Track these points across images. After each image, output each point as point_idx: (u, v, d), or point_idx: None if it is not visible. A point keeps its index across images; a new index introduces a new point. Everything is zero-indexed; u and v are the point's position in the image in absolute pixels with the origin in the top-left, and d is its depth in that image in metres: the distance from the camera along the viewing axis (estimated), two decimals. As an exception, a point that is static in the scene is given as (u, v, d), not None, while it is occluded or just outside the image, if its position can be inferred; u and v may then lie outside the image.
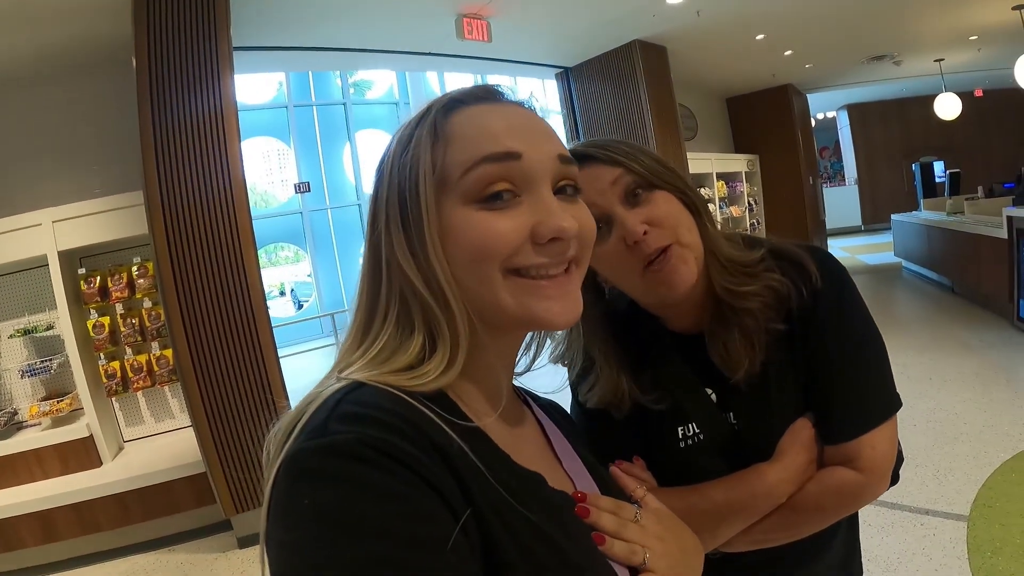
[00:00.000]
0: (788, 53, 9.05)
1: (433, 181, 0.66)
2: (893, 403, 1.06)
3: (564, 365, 1.20)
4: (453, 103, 0.70)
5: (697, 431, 1.10)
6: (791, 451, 1.04)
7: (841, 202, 16.28)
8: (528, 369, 0.86)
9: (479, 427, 0.66)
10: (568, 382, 1.22)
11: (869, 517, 3.28)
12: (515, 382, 0.86)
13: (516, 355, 0.80)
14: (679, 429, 1.12)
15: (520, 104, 0.74)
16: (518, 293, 0.67)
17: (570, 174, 0.71)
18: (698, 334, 1.11)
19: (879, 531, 3.19)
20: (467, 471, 0.58)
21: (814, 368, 1.06)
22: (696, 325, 1.12)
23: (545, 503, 0.66)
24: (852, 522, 1.23)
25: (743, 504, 1.03)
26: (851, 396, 1.04)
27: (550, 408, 0.94)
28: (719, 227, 1.12)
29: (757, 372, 1.06)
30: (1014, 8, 7.59)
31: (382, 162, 0.72)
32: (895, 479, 1.09)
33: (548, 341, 0.86)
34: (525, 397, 0.89)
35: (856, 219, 16.75)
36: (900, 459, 1.11)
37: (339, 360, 0.69)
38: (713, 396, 1.11)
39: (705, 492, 1.05)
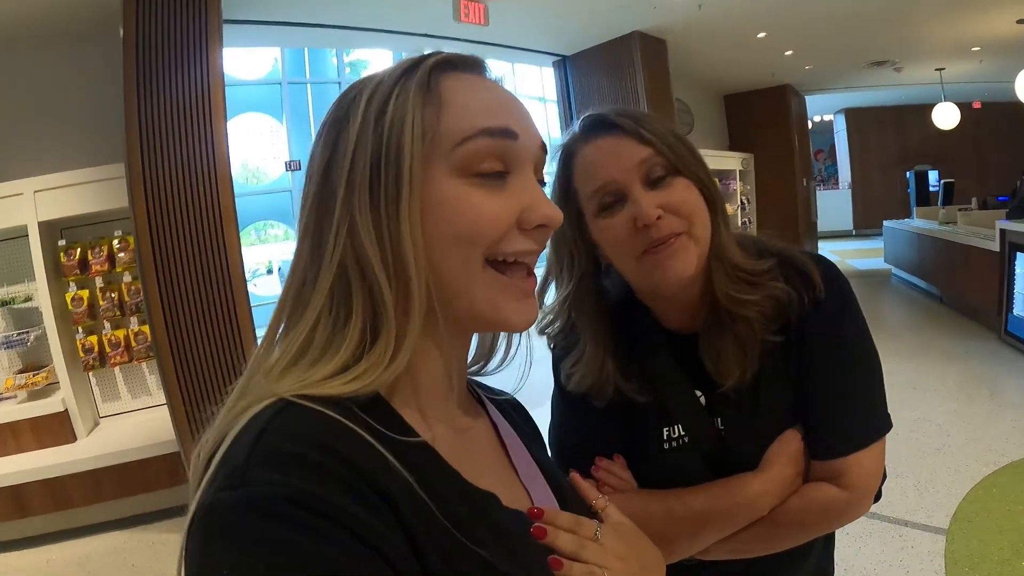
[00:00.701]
0: (788, 53, 9.03)
1: (422, 144, 0.60)
2: (884, 424, 1.04)
3: (550, 338, 1.18)
4: (446, 64, 0.65)
5: (682, 434, 1.08)
6: (777, 463, 1.02)
7: (833, 205, 16.31)
8: (500, 368, 0.81)
9: (425, 441, 0.60)
10: (551, 355, 1.20)
11: (848, 526, 3.25)
12: (478, 378, 0.83)
13: (467, 354, 0.74)
14: (664, 430, 1.10)
15: (501, 83, 0.69)
16: (491, 287, 0.63)
17: (543, 164, 0.69)
18: (692, 334, 1.09)
19: (857, 540, 3.19)
20: (412, 509, 0.53)
21: (808, 381, 1.04)
22: (691, 325, 1.10)
23: (497, 527, 0.61)
24: (829, 537, 1.22)
25: (723, 513, 1.02)
26: (843, 413, 1.02)
27: (508, 408, 0.88)
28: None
29: (748, 380, 1.03)
30: (1019, 21, 7.61)
31: (343, 113, 0.64)
32: (877, 496, 1.08)
33: (520, 339, 0.79)
34: (480, 395, 0.83)
35: (847, 223, 16.79)
36: (884, 477, 1.09)
37: (259, 353, 0.62)
38: (702, 399, 1.09)
39: (686, 498, 1.03)
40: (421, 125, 0.60)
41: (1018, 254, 5.97)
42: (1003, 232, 6.22)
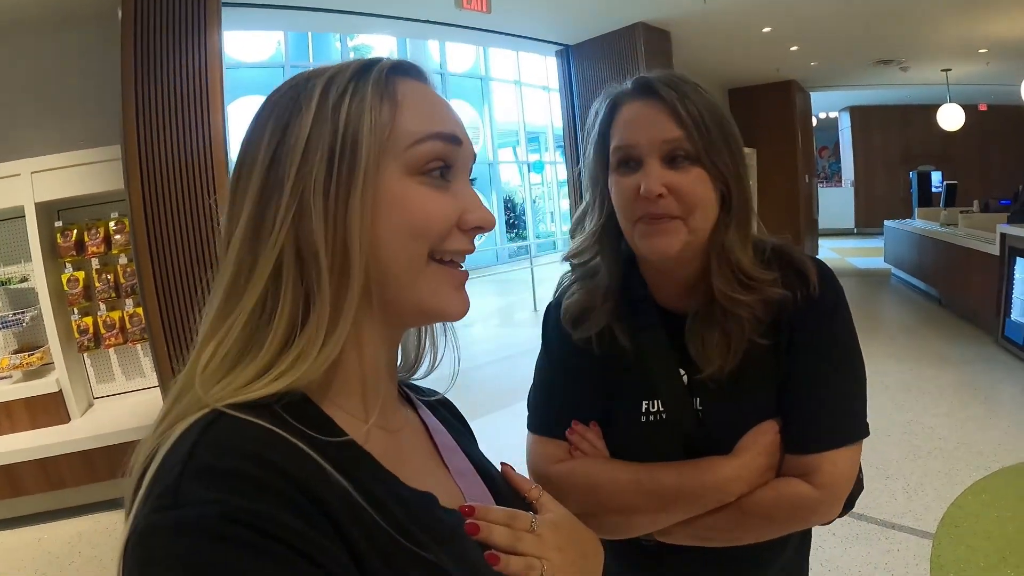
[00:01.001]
0: (794, 48, 9.04)
1: (377, 141, 0.61)
2: (862, 429, 1.05)
3: (573, 266, 1.20)
4: (399, 68, 0.67)
5: (661, 410, 1.10)
6: (751, 451, 1.03)
7: (836, 203, 16.30)
8: (428, 373, 0.83)
9: (359, 444, 0.61)
10: (556, 289, 1.24)
11: (834, 526, 3.22)
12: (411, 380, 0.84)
13: (397, 353, 0.75)
14: (643, 403, 1.11)
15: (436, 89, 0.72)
16: (435, 279, 0.65)
17: (471, 170, 0.72)
18: (682, 314, 1.10)
19: (843, 541, 3.19)
20: (351, 517, 0.53)
21: (792, 374, 1.05)
22: (682, 306, 1.11)
23: (437, 528, 0.62)
24: (804, 539, 1.23)
25: (691, 493, 1.03)
26: (823, 410, 1.03)
27: (437, 406, 0.88)
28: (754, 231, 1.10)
29: (731, 370, 1.05)
30: (1028, 24, 7.56)
31: (292, 102, 0.63)
32: (850, 505, 1.09)
33: (447, 344, 0.81)
34: (408, 395, 0.83)
35: (849, 221, 16.78)
36: (860, 487, 1.11)
37: (195, 351, 0.61)
38: (685, 378, 1.10)
39: (655, 472, 1.05)
40: (378, 121, 0.61)
41: (1018, 259, 5.96)
42: (1003, 236, 6.21)
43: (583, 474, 1.10)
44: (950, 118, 11.01)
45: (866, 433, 1.05)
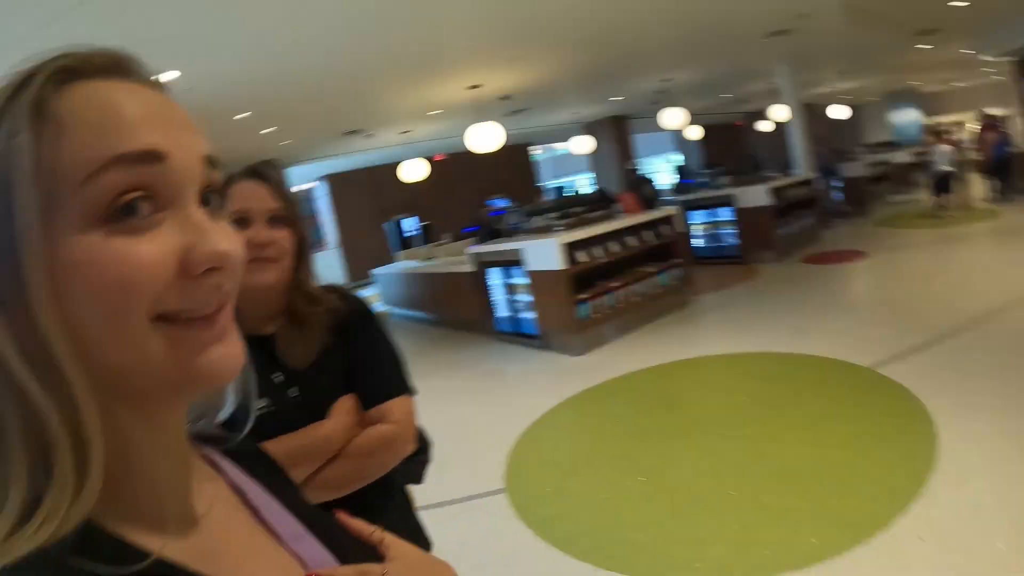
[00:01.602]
0: (267, 131, 9.61)
1: (39, 193, 0.43)
2: (411, 386, 1.50)
3: None
4: (68, 73, 0.47)
5: (267, 405, 1.35)
6: (340, 413, 1.39)
7: (326, 264, 16.98)
8: (236, 408, 0.66)
9: (164, 559, 0.49)
10: None
11: (424, 516, 3.58)
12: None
13: (183, 424, 0.58)
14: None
15: (154, 84, 0.53)
16: (171, 346, 0.48)
17: (215, 180, 0.53)
18: (267, 336, 1.41)
19: (435, 527, 3.33)
20: None
21: (356, 360, 1.44)
22: (267, 329, 1.42)
23: None
24: (405, 515, 1.61)
25: (307, 449, 1.32)
26: (381, 374, 1.46)
27: (250, 458, 0.73)
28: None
29: (312, 362, 1.40)
30: (468, 88, 9.21)
31: None
32: (426, 455, 1.63)
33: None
34: (212, 458, 0.68)
35: (341, 278, 17.72)
36: (429, 442, 1.64)
37: None
38: (281, 377, 1.40)
39: (277, 441, 1.30)
40: (35, 164, 0.43)
41: (487, 270, 7.47)
42: (475, 255, 7.66)
43: None
44: (412, 171, 12.20)
45: (415, 391, 1.49)
